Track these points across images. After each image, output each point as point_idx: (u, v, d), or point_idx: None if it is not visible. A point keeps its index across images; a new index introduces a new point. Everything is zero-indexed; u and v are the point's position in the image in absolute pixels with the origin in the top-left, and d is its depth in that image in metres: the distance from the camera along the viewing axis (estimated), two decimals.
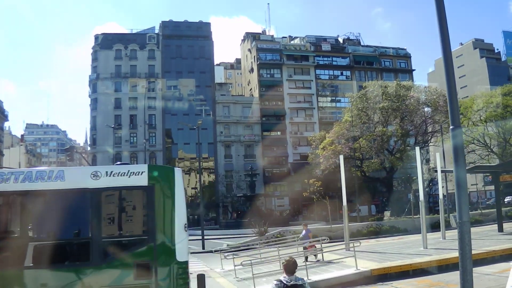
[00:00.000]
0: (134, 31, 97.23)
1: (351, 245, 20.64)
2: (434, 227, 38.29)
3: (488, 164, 44.12)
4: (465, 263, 8.75)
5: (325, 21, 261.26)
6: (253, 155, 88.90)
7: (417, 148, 22.23)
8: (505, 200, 69.03)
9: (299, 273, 18.09)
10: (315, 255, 22.08)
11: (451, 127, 9.58)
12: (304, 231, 24.48)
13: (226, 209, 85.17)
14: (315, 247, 22.38)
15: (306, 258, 20.32)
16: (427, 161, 78.53)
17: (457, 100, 10.25)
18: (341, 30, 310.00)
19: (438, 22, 9.60)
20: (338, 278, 17.33)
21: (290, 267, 7.14)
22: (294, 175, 79.69)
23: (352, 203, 51.47)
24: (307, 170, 61.88)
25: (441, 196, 30.05)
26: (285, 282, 7.00)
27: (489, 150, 62.69)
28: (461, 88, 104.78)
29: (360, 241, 30.13)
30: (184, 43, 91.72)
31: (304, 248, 21.64)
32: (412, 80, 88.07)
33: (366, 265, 19.06)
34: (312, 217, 61.03)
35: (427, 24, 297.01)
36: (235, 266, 19.82)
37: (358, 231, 36.27)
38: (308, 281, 16.61)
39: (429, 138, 57.53)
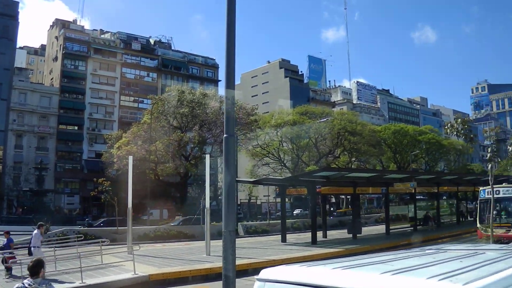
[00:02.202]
0: None
1: (135, 248, 20.04)
2: (221, 234, 39.22)
3: (275, 177, 46.49)
4: (228, 273, 8.61)
5: (144, 19, 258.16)
6: (46, 148, 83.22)
7: (207, 157, 22.46)
8: (294, 212, 73.65)
9: (75, 276, 17.04)
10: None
11: (225, 135, 9.47)
12: (6, 240, 20.87)
13: (11, 203, 78.74)
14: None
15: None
16: None
17: (234, 111, 10.23)
18: (159, 31, 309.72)
19: (227, 28, 9.52)
20: (114, 282, 16.61)
21: (32, 269, 6.40)
22: (88, 173, 76.90)
23: (145, 206, 50.83)
24: (101, 169, 59.97)
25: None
26: (27, 286, 6.24)
27: (282, 164, 66.50)
28: (263, 103, 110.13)
29: (147, 245, 29.63)
30: None
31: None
32: (217, 90, 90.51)
33: (145, 269, 18.61)
34: (104, 216, 59.29)
35: (240, 37, 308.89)
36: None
37: (146, 235, 35.64)
38: (82, 284, 15.66)
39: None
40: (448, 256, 5.25)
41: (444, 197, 49.85)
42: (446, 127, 18.60)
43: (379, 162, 78.75)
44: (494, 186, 24.37)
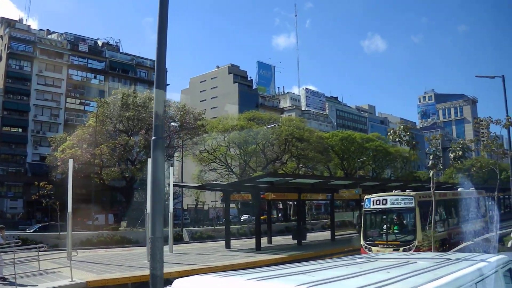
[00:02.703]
0: None
1: (73, 254, 19.60)
2: (167, 240, 38.84)
3: (219, 183, 46.20)
4: (155, 281, 8.43)
5: (94, 21, 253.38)
6: None
7: (149, 160, 21.98)
8: (242, 218, 73.61)
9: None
10: None
11: (153, 138, 9.39)
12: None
13: None
14: None
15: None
16: None
17: (163, 113, 10.19)
18: (110, 33, 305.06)
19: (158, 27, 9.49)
20: None
21: None
22: (32, 177, 74.89)
23: (89, 210, 49.92)
24: (46, 173, 58.47)
25: (171, 210, 30.29)
26: None
27: (230, 170, 66.37)
28: (211, 108, 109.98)
29: (89, 250, 29.09)
30: None
31: None
32: (165, 95, 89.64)
33: (83, 276, 18.25)
34: (46, 221, 57.91)
35: (191, 41, 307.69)
36: None
37: (88, 240, 35.00)
38: None
39: (173, 152, 58.72)
40: (377, 266, 5.28)
41: None
42: (389, 133, 18.41)
43: (326, 169, 79.50)
44: (378, 195, 22.46)
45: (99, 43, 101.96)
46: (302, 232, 34.71)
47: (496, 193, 26.71)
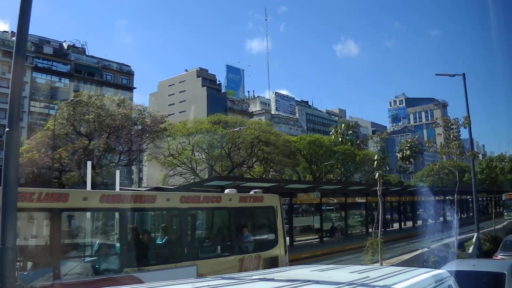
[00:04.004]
0: None
1: None
2: None
3: (166, 187, 43.88)
4: None
5: (65, 23, 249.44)
6: None
7: (89, 163, 20.92)
8: None
9: None
10: None
11: (7, 129, 8.13)
12: None
13: None
14: None
15: None
16: (141, 180, 79.02)
17: (20, 98, 9.12)
18: (79, 35, 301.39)
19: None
20: None
21: None
22: None
23: None
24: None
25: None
26: None
27: (195, 174, 65.26)
28: (180, 112, 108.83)
29: None
30: None
31: None
32: (132, 98, 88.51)
33: None
34: None
35: (162, 44, 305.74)
36: None
37: None
38: None
39: (135, 157, 57.54)
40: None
41: (362, 208, 50.10)
42: (331, 132, 17.30)
43: (295, 173, 78.95)
44: None
45: (65, 45, 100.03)
46: None
47: (455, 196, 25.61)
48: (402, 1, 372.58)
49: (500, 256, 19.47)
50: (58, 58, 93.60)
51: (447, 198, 48.83)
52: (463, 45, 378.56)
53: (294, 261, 25.75)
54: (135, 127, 51.04)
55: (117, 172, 26.59)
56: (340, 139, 16.27)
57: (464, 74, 27.95)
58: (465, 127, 24.41)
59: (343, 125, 16.07)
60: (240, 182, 30.27)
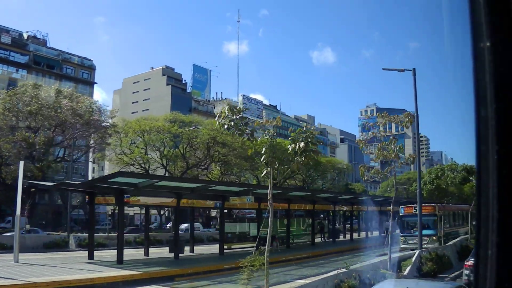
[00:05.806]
0: None
1: None
2: (50, 246, 35.51)
3: (73, 182, 39.70)
4: None
5: (30, 13, 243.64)
6: None
7: (21, 163, 19.30)
8: (153, 225, 69.61)
9: None
10: None
11: None
12: None
13: None
14: None
15: None
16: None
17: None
18: (45, 26, 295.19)
19: None
20: None
21: None
22: None
23: None
24: None
25: (18, 212, 25.82)
26: None
27: (148, 173, 63.10)
28: (143, 110, 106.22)
29: None
30: None
31: None
32: (92, 93, 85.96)
33: None
34: None
35: (140, 44, 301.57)
36: None
37: None
38: None
39: (83, 153, 55.26)
40: None
41: (316, 216, 48.45)
42: (216, 118, 13.52)
43: (255, 177, 77.07)
44: None
45: (25, 35, 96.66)
46: (180, 245, 31.02)
47: (391, 207, 22.53)
48: (384, 12, 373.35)
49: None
50: (16, 48, 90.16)
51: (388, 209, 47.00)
52: (440, 60, 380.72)
53: (216, 271, 23.86)
54: (81, 120, 48.39)
55: (21, 163, 24.43)
56: (226, 126, 13.35)
57: (414, 69, 26.36)
58: (407, 127, 22.68)
59: (226, 107, 13.26)
60: (154, 180, 27.94)
